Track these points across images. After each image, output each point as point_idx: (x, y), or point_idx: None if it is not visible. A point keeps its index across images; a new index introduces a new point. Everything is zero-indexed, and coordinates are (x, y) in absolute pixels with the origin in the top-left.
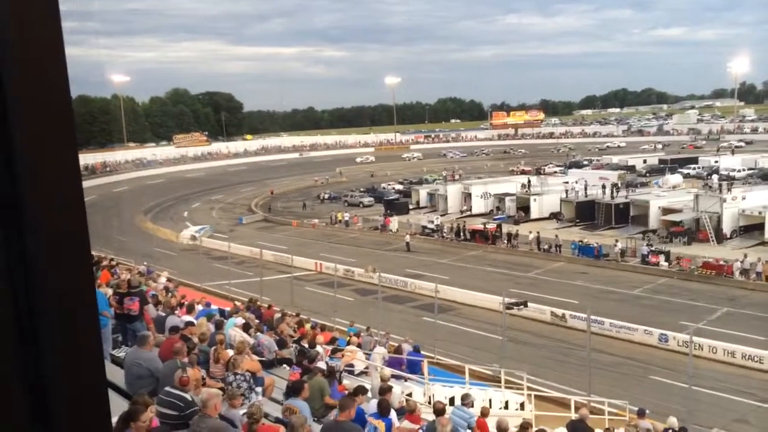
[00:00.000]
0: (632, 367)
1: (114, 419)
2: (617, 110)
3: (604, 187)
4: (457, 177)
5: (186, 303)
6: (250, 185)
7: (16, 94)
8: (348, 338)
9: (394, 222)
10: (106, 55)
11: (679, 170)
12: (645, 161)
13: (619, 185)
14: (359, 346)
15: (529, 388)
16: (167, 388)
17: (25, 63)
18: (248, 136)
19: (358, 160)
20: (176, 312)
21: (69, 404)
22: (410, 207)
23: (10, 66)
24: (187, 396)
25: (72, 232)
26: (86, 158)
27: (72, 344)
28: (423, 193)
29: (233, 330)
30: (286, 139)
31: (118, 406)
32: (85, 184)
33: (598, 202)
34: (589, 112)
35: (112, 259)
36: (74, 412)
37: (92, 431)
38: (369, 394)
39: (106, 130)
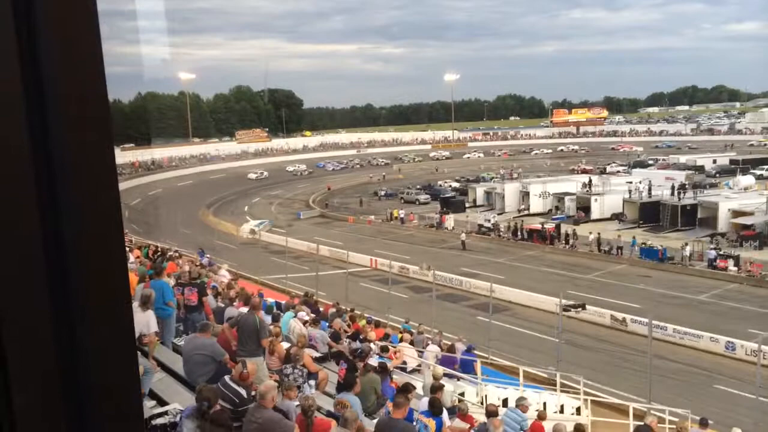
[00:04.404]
0: (696, 376)
1: (173, 406)
2: (686, 108)
3: (673, 187)
4: (515, 175)
5: (242, 295)
6: (307, 181)
7: (52, 87)
8: (400, 335)
9: (450, 220)
10: (174, 53)
11: (752, 171)
12: (715, 161)
13: (687, 186)
14: (411, 343)
15: (585, 393)
16: (226, 380)
17: (64, 57)
18: (307, 133)
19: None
20: (234, 303)
21: (101, 388)
22: (467, 205)
23: (48, 62)
24: (244, 392)
25: (107, 218)
26: (153, 153)
27: (106, 324)
28: (480, 191)
29: (294, 321)
30: (344, 136)
31: (177, 393)
32: (152, 177)
33: (663, 203)
34: (655, 109)
35: (176, 251)
36: (107, 396)
37: (124, 414)
38: (420, 392)
39: (173, 126)
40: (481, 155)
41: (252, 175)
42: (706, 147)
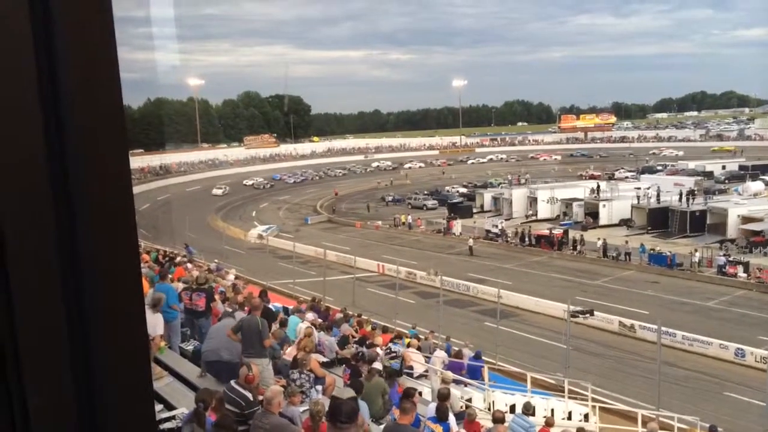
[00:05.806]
0: (705, 383)
1: (181, 410)
2: (695, 114)
3: (681, 193)
4: (523, 181)
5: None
6: (315, 186)
7: (69, 94)
8: (407, 341)
9: (458, 225)
10: (183, 59)
11: (762, 177)
12: (724, 167)
13: (696, 192)
14: (419, 349)
15: (593, 400)
16: (232, 384)
17: (78, 62)
18: (315, 138)
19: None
20: (245, 308)
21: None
22: (474, 210)
23: (64, 65)
24: (250, 395)
25: (121, 223)
26: (163, 158)
27: (119, 323)
28: (487, 196)
29: (304, 323)
30: (351, 141)
31: (184, 397)
32: (161, 183)
33: (672, 209)
34: (664, 115)
35: (185, 256)
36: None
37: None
38: (428, 397)
39: (182, 131)
40: (422, 165)
41: (217, 191)
42: (618, 157)
